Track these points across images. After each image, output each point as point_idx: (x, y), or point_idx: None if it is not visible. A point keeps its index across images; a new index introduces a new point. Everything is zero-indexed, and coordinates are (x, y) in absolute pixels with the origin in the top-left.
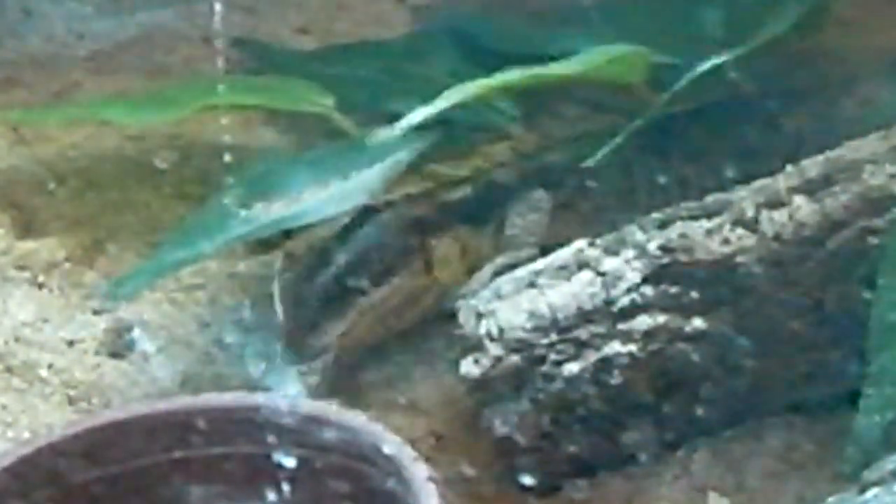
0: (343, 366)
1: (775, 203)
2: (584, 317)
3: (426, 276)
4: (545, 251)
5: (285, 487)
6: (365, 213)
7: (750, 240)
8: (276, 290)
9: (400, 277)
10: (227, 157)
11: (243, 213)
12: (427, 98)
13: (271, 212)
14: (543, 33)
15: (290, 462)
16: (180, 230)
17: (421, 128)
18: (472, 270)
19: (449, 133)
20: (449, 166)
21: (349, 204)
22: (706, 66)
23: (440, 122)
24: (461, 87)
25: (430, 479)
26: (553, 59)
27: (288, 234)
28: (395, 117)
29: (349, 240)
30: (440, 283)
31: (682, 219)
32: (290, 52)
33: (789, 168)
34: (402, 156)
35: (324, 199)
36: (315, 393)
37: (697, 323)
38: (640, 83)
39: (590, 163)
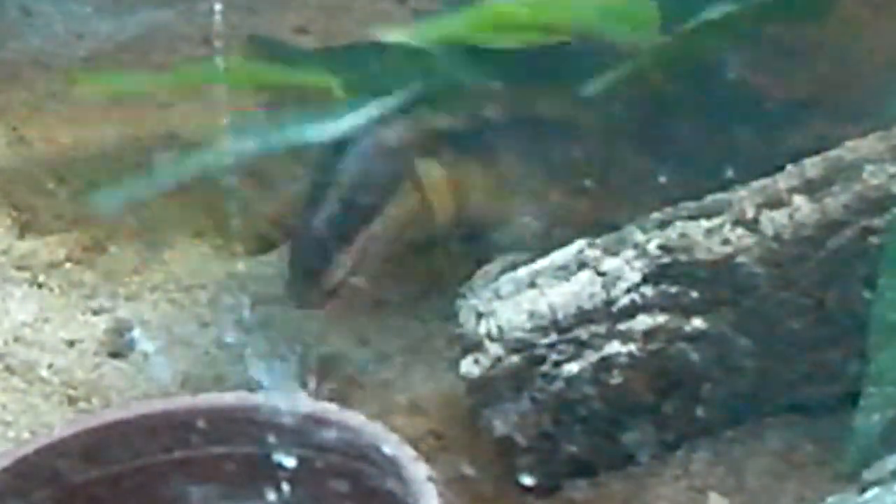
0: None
1: (775, 203)
2: (584, 316)
3: (418, 200)
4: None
5: (285, 487)
6: (340, 146)
7: (750, 240)
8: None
9: (393, 206)
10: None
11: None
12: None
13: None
14: None
15: (290, 462)
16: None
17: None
18: (460, 197)
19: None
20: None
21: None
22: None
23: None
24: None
25: (430, 478)
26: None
27: (289, 233)
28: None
29: (333, 174)
30: (432, 208)
31: (681, 218)
32: (300, 50)
33: (789, 168)
34: (392, 101)
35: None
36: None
37: (697, 323)
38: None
39: (588, 92)
